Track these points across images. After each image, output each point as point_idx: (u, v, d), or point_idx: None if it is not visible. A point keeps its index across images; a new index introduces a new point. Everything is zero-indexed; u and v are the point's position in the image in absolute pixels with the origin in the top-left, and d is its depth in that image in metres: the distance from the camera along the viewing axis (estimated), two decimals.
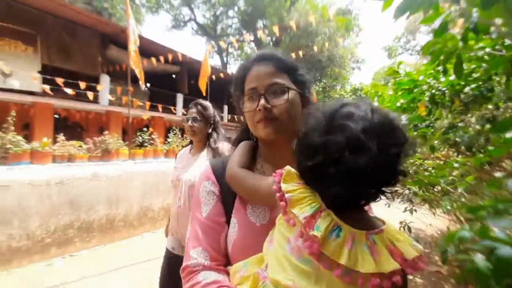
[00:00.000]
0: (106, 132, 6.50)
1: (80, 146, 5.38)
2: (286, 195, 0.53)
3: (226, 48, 22.84)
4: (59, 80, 7.12)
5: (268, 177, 0.66)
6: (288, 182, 0.56)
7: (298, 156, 0.56)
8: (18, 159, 4.40)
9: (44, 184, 2.75)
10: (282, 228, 0.56)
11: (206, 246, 0.69)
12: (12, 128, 4.50)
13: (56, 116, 9.09)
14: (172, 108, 11.38)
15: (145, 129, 7.97)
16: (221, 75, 11.67)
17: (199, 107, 1.86)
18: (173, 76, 13.31)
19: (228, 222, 0.73)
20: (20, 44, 7.94)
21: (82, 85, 7.09)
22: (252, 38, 18.51)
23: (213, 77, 10.52)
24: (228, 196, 0.74)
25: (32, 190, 2.67)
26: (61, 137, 5.25)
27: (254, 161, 0.80)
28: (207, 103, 1.95)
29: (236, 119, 12.31)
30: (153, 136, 6.85)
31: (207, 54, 8.64)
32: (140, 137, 6.57)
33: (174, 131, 7.31)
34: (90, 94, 6.88)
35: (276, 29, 9.82)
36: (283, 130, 0.70)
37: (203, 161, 1.73)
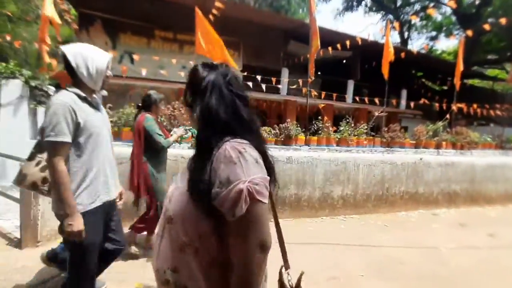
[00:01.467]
0: (288, 119, 7.45)
1: (270, 131, 6.48)
2: None
3: (409, 20, 19.49)
4: (254, 76, 8.80)
5: None
6: None
7: None
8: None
9: None
10: None
11: None
12: None
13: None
14: (339, 95, 11.28)
15: (315, 116, 8.46)
16: (401, 55, 10.18)
17: None
18: (344, 61, 13.06)
19: None
20: (230, 51, 10.48)
21: (270, 79, 8.38)
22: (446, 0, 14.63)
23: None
24: None
25: None
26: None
27: None
28: None
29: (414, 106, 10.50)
30: (327, 124, 7.11)
31: (388, 32, 7.70)
32: (315, 125, 7.00)
33: (347, 120, 7.24)
34: (278, 87, 7.99)
35: None
36: None
37: None
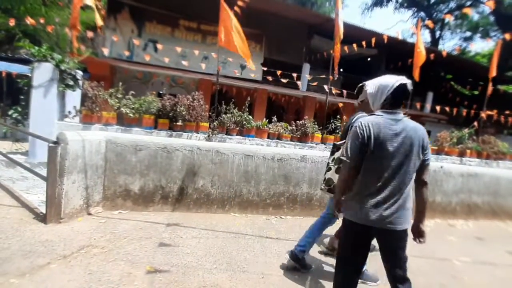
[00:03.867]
0: (305, 116, 7.37)
1: (287, 127, 6.45)
2: None
3: (442, 19, 18.48)
4: (274, 70, 8.72)
5: None
6: None
7: None
8: (248, 132, 6.00)
9: (270, 158, 3.55)
10: None
11: None
12: (247, 109, 6.13)
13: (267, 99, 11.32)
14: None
15: (334, 114, 8.30)
16: (430, 55, 9.71)
17: None
18: (368, 59, 12.64)
19: None
20: (253, 43, 10.43)
21: (291, 74, 8.27)
22: None
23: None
24: None
25: (263, 161, 3.53)
26: (274, 118, 6.53)
27: None
28: None
29: (440, 111, 10.03)
30: (344, 123, 6.97)
31: (419, 31, 7.32)
32: (333, 123, 6.89)
33: None
34: (297, 82, 7.89)
35: None
36: None
37: None
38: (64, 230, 2.64)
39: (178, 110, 5.38)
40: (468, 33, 20.63)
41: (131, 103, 5.31)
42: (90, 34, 6.17)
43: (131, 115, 5.22)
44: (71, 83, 5.23)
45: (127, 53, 8.06)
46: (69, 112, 5.32)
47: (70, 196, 2.79)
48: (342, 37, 6.18)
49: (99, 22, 5.02)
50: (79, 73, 5.49)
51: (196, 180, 3.39)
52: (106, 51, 7.02)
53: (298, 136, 6.43)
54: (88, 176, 2.93)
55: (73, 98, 5.61)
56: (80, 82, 5.49)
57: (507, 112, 9.29)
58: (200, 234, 2.89)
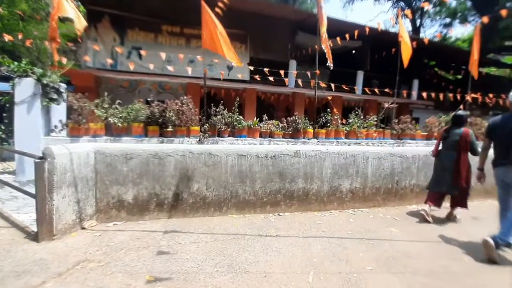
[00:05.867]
0: (296, 112, 7.38)
1: (278, 125, 6.45)
2: None
3: (421, 7, 18.80)
4: (261, 69, 8.71)
5: None
6: None
7: None
8: (240, 133, 5.98)
9: (264, 156, 3.54)
10: None
11: None
12: (237, 110, 6.11)
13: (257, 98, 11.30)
14: (348, 87, 11.06)
15: (324, 108, 8.35)
16: (413, 43, 9.85)
17: None
18: (353, 52, 12.75)
19: None
20: (237, 44, 10.40)
21: (278, 72, 8.27)
22: None
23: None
24: None
25: (257, 160, 3.51)
26: (265, 117, 6.52)
27: None
28: None
29: (427, 97, 10.19)
30: (335, 116, 7.03)
31: (401, 20, 7.41)
32: (323, 117, 6.93)
33: (356, 112, 7.13)
34: (284, 80, 7.90)
35: None
36: None
37: None
38: (57, 247, 2.56)
39: (167, 115, 5.32)
40: (447, 20, 21.05)
41: (119, 112, 5.23)
42: (70, 44, 6.04)
43: (120, 124, 5.13)
44: (55, 96, 5.11)
45: (110, 62, 7.91)
46: (55, 126, 5.20)
47: (62, 212, 2.71)
48: (326, 27, 6.21)
49: (80, 30, 4.90)
50: (63, 86, 5.36)
51: (190, 184, 3.34)
52: (88, 60, 6.88)
53: (290, 132, 6.45)
54: (79, 189, 2.86)
55: (59, 112, 5.49)
56: (65, 95, 5.38)
57: (491, 94, 9.50)
58: (199, 238, 2.86)
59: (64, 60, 5.80)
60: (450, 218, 3.92)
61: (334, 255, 2.68)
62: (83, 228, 2.94)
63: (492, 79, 16.05)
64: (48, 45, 5.48)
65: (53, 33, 4.89)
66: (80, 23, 4.80)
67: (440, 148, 3.94)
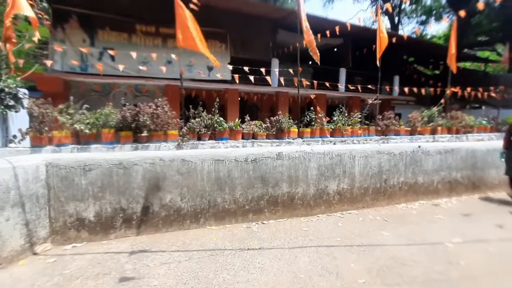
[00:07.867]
0: (279, 112, 7.13)
1: (261, 125, 6.17)
2: None
3: (399, 4, 19.14)
4: (242, 68, 8.43)
5: None
6: None
7: None
8: (221, 135, 5.65)
9: (243, 160, 3.24)
10: None
11: None
12: (217, 111, 5.78)
13: (240, 99, 11.01)
14: (331, 84, 10.98)
15: (308, 107, 8.16)
16: (392, 40, 9.88)
17: None
18: (335, 49, 12.72)
19: None
20: (217, 43, 10.07)
21: (260, 70, 8.01)
22: None
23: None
24: None
25: (236, 165, 3.21)
26: (247, 117, 6.23)
27: None
28: None
29: (408, 92, 10.26)
30: (319, 114, 6.84)
31: (379, 17, 7.36)
32: (307, 116, 6.72)
33: (341, 109, 6.97)
34: (267, 79, 7.65)
35: None
36: None
37: None
38: (0, 279, 2.16)
39: (141, 120, 4.92)
40: (423, 17, 21.59)
41: (86, 118, 4.77)
42: (28, 45, 5.51)
43: (87, 131, 4.68)
44: (12, 103, 4.60)
45: (79, 65, 7.38)
46: (14, 136, 4.68)
47: (6, 237, 2.30)
48: (307, 22, 6.01)
49: (37, 34, 4.44)
50: (22, 91, 4.84)
51: (162, 195, 3.00)
52: (52, 63, 6.35)
53: (274, 133, 6.18)
54: (27, 209, 2.45)
55: (20, 120, 4.96)
56: (25, 102, 4.86)
57: (469, 88, 9.66)
58: (171, 258, 2.52)
59: (20, 62, 5.25)
60: None
61: (323, 268, 2.42)
62: (35, 254, 2.53)
63: (468, 73, 16.51)
64: (2, 46, 4.95)
65: (8, 32, 4.39)
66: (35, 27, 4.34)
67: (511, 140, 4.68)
